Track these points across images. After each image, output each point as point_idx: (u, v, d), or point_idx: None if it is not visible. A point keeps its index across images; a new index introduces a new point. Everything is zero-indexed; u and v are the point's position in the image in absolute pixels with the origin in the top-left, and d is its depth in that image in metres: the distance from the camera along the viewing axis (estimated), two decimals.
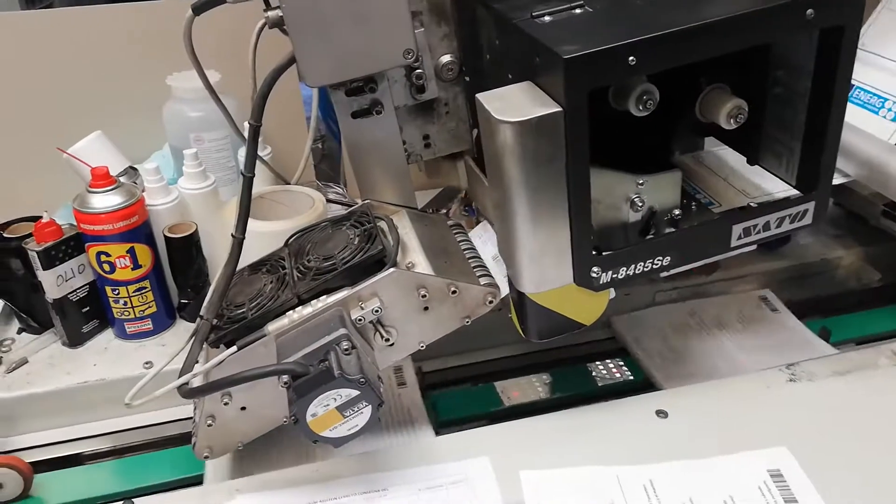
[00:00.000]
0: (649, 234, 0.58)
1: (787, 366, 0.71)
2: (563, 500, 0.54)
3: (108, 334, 0.78)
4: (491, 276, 0.62)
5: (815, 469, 0.57)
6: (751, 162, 0.66)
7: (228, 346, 0.59)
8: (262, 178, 0.90)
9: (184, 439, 0.71)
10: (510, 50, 0.56)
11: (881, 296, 0.91)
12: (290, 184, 0.92)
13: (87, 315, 0.77)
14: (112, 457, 0.70)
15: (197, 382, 0.57)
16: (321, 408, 0.53)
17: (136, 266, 0.73)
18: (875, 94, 0.76)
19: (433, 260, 0.62)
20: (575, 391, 0.78)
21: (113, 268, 0.72)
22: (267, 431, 0.62)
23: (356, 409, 0.54)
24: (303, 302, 0.59)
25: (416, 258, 0.62)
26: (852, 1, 0.49)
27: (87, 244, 0.72)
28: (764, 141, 0.63)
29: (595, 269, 0.56)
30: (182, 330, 0.79)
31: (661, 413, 0.66)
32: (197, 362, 0.59)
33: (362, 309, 0.58)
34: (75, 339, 0.76)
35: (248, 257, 0.79)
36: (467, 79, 0.65)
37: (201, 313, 0.60)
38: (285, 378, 0.54)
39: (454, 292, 0.59)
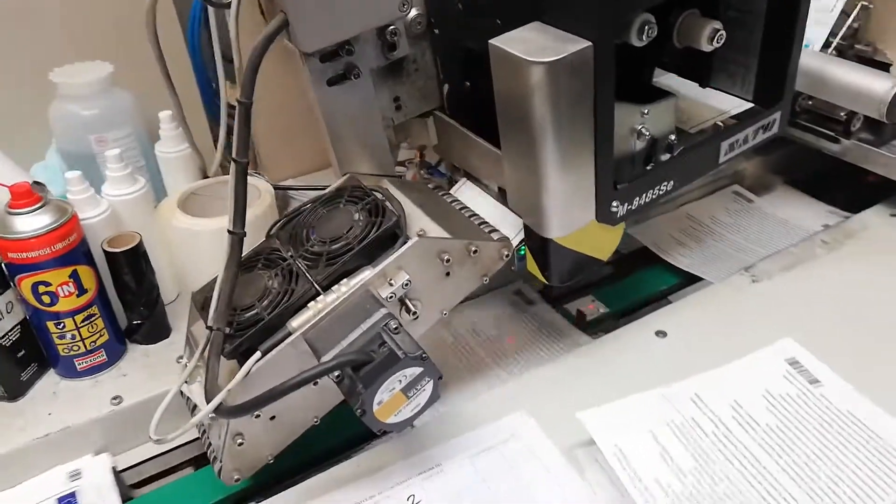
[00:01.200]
0: (651, 163, 0.59)
1: (746, 269, 0.78)
2: (628, 430, 0.56)
3: (50, 377, 0.67)
4: (497, 230, 0.61)
5: (818, 349, 0.63)
6: (703, 85, 0.69)
7: (246, 354, 0.53)
8: (182, 171, 0.81)
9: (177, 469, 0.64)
10: None
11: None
12: (208, 174, 0.84)
13: (23, 360, 0.65)
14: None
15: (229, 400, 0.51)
16: (387, 393, 0.49)
17: (82, 291, 0.63)
18: None
19: (441, 224, 0.59)
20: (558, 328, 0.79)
21: (55, 298, 0.62)
22: (293, 439, 0.57)
23: (419, 387, 0.51)
24: (323, 290, 0.55)
25: (425, 224, 0.59)
26: None
27: (17, 276, 0.61)
28: (716, 63, 0.67)
29: (615, 203, 0.56)
30: (139, 355, 0.70)
31: (661, 333, 0.70)
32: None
33: (392, 285, 0.54)
34: (15, 391, 0.64)
35: (202, 258, 0.71)
36: (436, 31, 0.63)
37: (210, 324, 0.53)
38: (338, 372, 0.50)
39: (475, 252, 0.58)
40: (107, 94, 0.80)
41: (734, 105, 0.69)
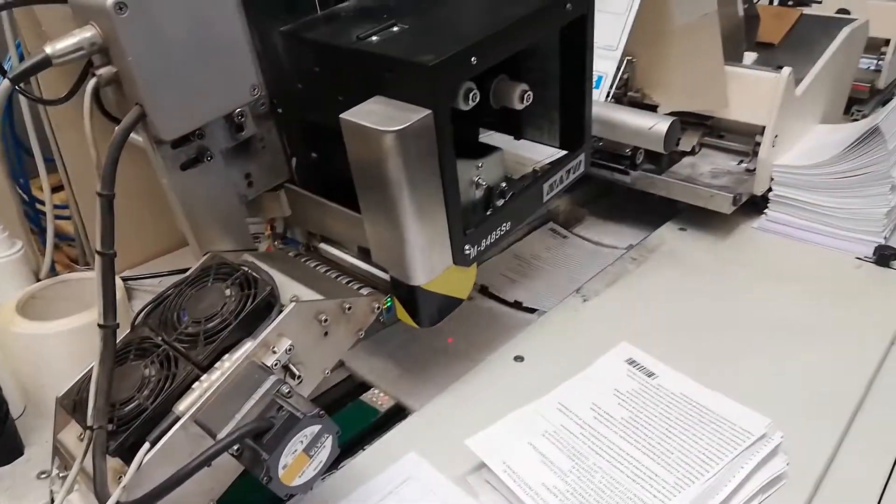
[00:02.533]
0: (489, 208, 0.67)
1: (577, 291, 0.90)
2: (512, 446, 0.62)
3: None
4: (365, 286, 0.66)
5: (648, 347, 0.74)
6: (517, 138, 0.80)
7: (133, 448, 0.52)
8: (14, 276, 0.76)
9: None
10: (342, 73, 0.60)
11: None
12: (41, 277, 0.80)
13: None
14: None
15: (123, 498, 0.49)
16: (290, 456, 0.51)
17: None
18: None
19: (312, 287, 0.62)
20: None
21: None
22: None
23: (319, 444, 0.53)
24: (204, 369, 0.55)
25: (297, 290, 0.62)
26: None
27: None
28: (526, 118, 0.78)
29: (467, 246, 0.63)
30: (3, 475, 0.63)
31: (518, 358, 0.78)
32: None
33: (275, 353, 0.56)
34: None
35: (51, 364, 0.67)
36: (280, 110, 0.67)
37: (90, 423, 0.51)
38: (237, 446, 0.50)
39: (349, 308, 0.61)
40: None
41: (546, 153, 0.81)
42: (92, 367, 0.57)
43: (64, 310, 0.70)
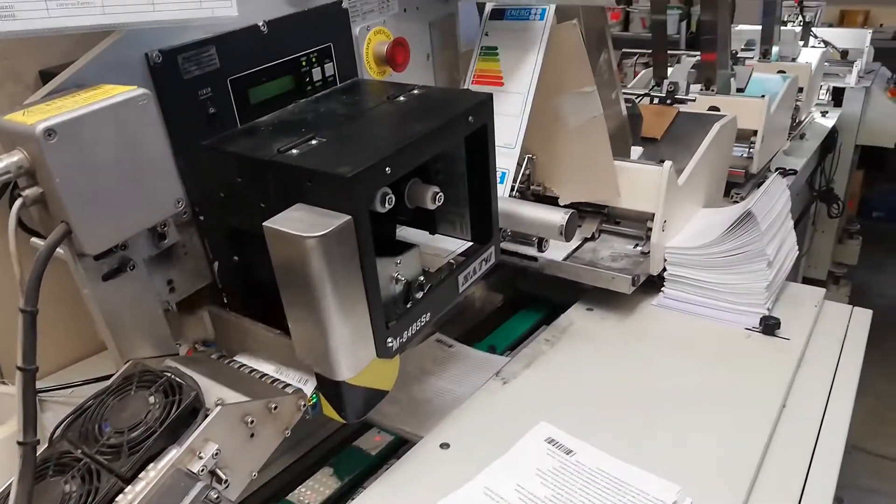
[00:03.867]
0: (409, 301, 0.71)
1: (497, 373, 0.93)
2: None
3: None
4: (290, 384, 0.67)
5: (564, 425, 0.78)
6: (432, 233, 0.86)
7: None
8: None
9: None
10: (264, 182, 0.64)
11: (508, 309, 1.22)
12: None
13: None
14: None
15: None
16: None
17: None
18: None
19: (236, 389, 0.63)
20: (359, 467, 0.84)
21: None
22: None
23: None
24: (129, 481, 0.54)
25: (221, 392, 0.63)
26: (489, 108, 0.73)
27: None
28: (439, 215, 0.83)
29: (389, 339, 0.67)
30: None
31: (444, 445, 0.80)
32: None
33: (201, 458, 0.56)
34: None
35: None
36: (201, 218, 0.69)
37: None
38: None
39: (275, 408, 0.63)
40: None
41: (459, 245, 0.86)
42: (9, 486, 0.55)
43: None
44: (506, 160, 0.94)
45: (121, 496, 0.53)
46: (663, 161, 1.02)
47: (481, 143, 0.75)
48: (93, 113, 0.52)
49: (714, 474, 0.73)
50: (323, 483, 0.82)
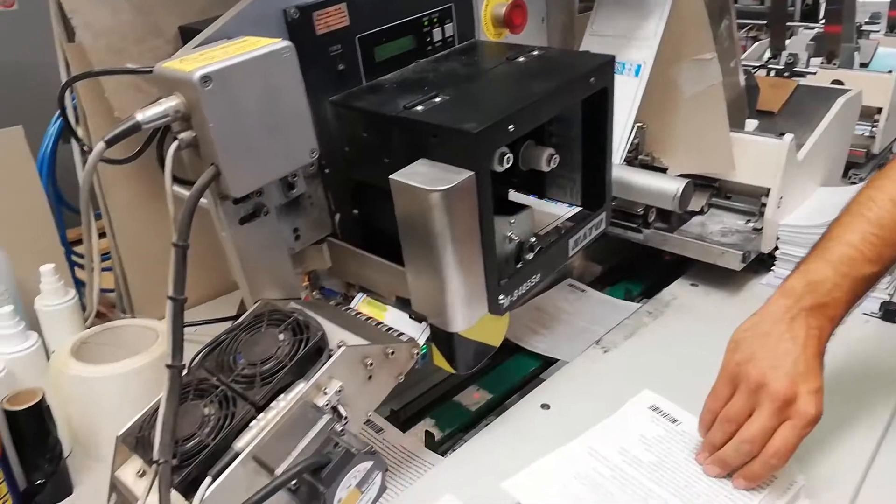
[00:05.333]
0: (520, 261, 0.72)
1: (597, 342, 0.94)
2: (548, 488, 0.64)
3: None
4: (403, 333, 0.70)
5: (666, 395, 0.78)
6: (541, 197, 0.86)
7: (194, 483, 0.55)
8: (66, 323, 0.80)
9: None
10: (389, 138, 0.66)
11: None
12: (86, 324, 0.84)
13: None
14: None
15: None
16: (344, 491, 0.54)
17: None
18: None
19: (356, 333, 0.67)
20: (459, 421, 0.87)
21: None
22: None
23: (370, 480, 0.56)
24: (261, 409, 0.59)
25: (343, 336, 0.66)
26: (610, 70, 0.72)
27: None
28: (549, 179, 0.83)
29: (501, 296, 0.68)
30: None
31: (545, 406, 0.82)
32: None
33: (325, 394, 0.60)
34: None
35: (101, 406, 0.71)
36: (326, 171, 0.72)
37: (156, 458, 0.54)
38: (294, 481, 0.54)
39: (392, 353, 0.65)
40: None
41: (568, 210, 0.86)
42: (151, 407, 0.60)
43: (111, 355, 0.74)
44: (618, 128, 0.93)
45: (254, 422, 0.58)
46: (783, 134, 0.98)
47: (600, 107, 0.74)
48: (243, 62, 0.55)
49: (825, 457, 0.71)
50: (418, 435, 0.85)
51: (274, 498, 0.57)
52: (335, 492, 0.53)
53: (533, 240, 0.74)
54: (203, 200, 0.60)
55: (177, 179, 0.61)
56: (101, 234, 0.96)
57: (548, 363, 0.95)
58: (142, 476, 0.59)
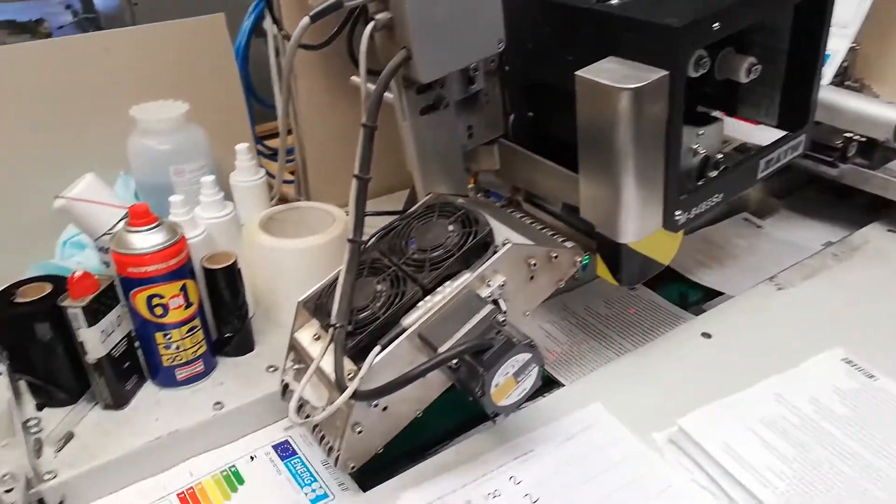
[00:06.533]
0: (702, 178, 0.68)
1: (770, 279, 0.87)
2: (731, 430, 0.62)
3: (148, 388, 0.71)
4: (568, 240, 0.69)
5: (854, 347, 0.71)
6: (730, 114, 0.79)
7: (363, 351, 0.59)
8: (256, 199, 0.87)
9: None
10: (578, 33, 0.63)
11: None
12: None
13: (128, 371, 0.69)
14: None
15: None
16: (502, 377, 0.56)
17: (188, 304, 0.68)
18: None
19: (521, 233, 0.67)
20: None
21: (166, 310, 0.67)
22: (399, 430, 0.62)
23: (526, 372, 0.57)
24: (428, 292, 0.61)
25: (508, 234, 0.66)
26: None
27: (133, 290, 0.65)
28: (743, 93, 0.76)
29: (678, 212, 0.65)
30: (230, 367, 0.74)
31: (706, 335, 0.78)
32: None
33: (489, 287, 0.61)
34: (120, 400, 0.68)
35: (282, 276, 0.77)
36: (506, 68, 0.71)
37: (332, 322, 0.59)
38: (456, 360, 0.56)
39: (555, 257, 0.65)
40: (182, 129, 0.86)
41: (759, 132, 0.79)
42: (331, 278, 0.65)
43: (294, 231, 0.80)
44: (835, 41, 0.83)
45: (421, 303, 0.60)
46: None
47: (817, 15, 0.66)
48: None
49: None
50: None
51: (433, 378, 0.60)
52: (493, 376, 0.55)
53: (719, 156, 0.69)
54: (387, 95, 0.62)
55: (368, 71, 0.63)
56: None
57: (708, 296, 0.90)
58: (317, 339, 0.64)
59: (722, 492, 0.58)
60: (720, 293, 0.89)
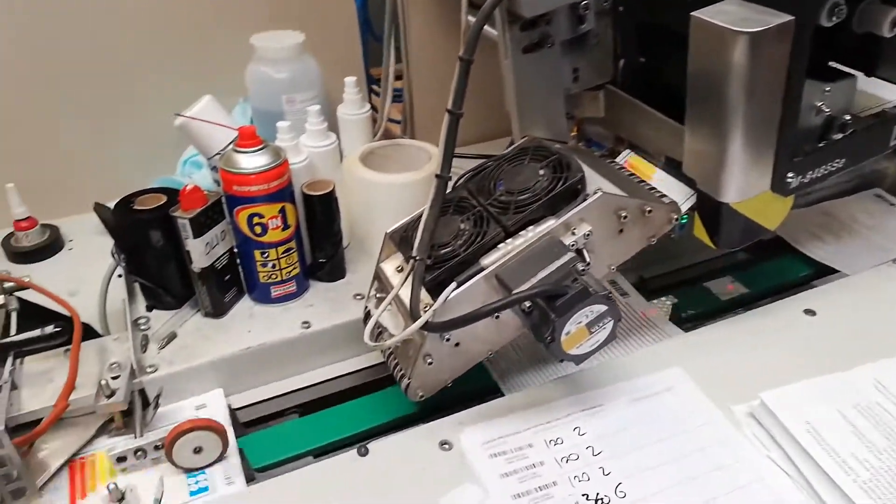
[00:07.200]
0: (824, 140, 0.62)
1: (894, 261, 0.80)
2: (816, 409, 0.58)
3: (245, 302, 0.76)
4: (666, 195, 0.66)
5: None
6: (869, 74, 0.71)
7: (440, 285, 0.59)
8: (360, 132, 0.89)
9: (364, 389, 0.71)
10: None
11: None
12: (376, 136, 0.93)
13: (227, 284, 0.74)
14: (297, 414, 0.70)
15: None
16: (574, 326, 0.55)
17: (286, 226, 0.72)
18: None
19: (616, 184, 0.64)
20: (705, 307, 0.82)
21: (265, 229, 0.70)
22: (469, 368, 0.63)
23: (601, 324, 0.56)
24: (510, 234, 0.61)
25: (601, 184, 0.64)
26: None
27: (236, 207, 0.70)
28: (885, 51, 0.68)
29: (790, 174, 0.60)
30: (321, 290, 0.78)
31: (809, 311, 0.73)
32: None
33: (573, 235, 0.60)
34: (219, 309, 0.74)
35: (376, 209, 0.79)
36: (620, 8, 0.68)
37: (413, 254, 0.60)
38: (529, 303, 0.56)
39: (649, 212, 0.62)
40: (298, 59, 0.89)
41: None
42: (418, 212, 0.66)
43: (391, 166, 0.81)
44: None
45: (502, 244, 0.60)
46: None
47: None
48: None
49: None
50: (663, 307, 0.82)
51: (506, 321, 0.60)
52: (565, 323, 0.54)
53: (847, 118, 0.63)
54: (492, 31, 0.60)
55: (471, 5, 0.62)
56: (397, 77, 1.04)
57: (821, 272, 0.84)
58: (400, 271, 0.66)
59: (799, 473, 0.55)
60: (833, 271, 0.82)
